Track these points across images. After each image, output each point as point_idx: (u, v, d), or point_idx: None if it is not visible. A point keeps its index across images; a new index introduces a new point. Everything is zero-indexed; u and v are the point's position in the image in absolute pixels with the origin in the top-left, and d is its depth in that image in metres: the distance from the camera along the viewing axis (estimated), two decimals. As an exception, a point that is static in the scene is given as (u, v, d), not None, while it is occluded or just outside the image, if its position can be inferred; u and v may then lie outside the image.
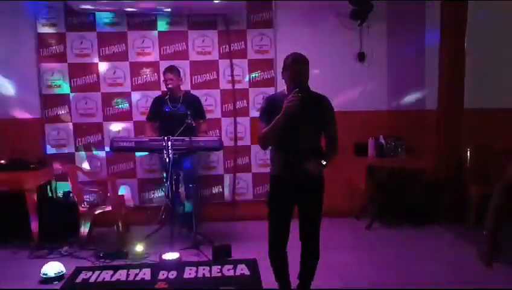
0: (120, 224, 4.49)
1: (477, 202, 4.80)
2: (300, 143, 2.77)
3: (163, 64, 4.95)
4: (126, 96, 5.15)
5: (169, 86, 4.52)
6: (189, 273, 3.67)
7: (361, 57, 5.28)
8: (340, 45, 5.28)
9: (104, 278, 3.61)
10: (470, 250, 4.19)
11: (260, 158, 5.29)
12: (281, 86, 3.31)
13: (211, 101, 5.22)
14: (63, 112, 5.11)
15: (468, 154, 5.06)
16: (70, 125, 5.13)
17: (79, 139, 5.15)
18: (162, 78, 4.79)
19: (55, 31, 5.03)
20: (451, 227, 4.83)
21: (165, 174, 4.34)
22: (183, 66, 5.08)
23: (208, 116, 4.96)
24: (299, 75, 2.72)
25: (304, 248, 2.94)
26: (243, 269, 3.73)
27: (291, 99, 2.60)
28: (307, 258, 2.96)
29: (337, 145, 2.89)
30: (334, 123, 2.89)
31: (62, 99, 5.10)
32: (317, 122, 2.82)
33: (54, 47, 5.04)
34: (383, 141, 5.11)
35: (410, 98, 5.40)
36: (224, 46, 5.22)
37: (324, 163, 2.80)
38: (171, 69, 4.57)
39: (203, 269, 3.75)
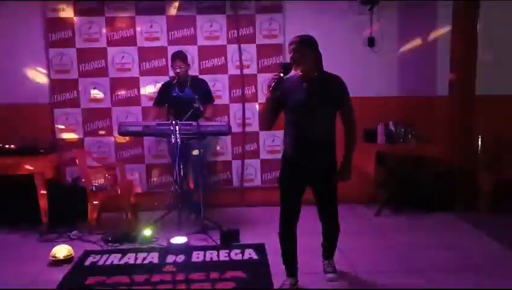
0: (128, 209, 4.51)
1: (489, 189, 4.77)
2: (311, 125, 2.76)
3: (172, 50, 4.91)
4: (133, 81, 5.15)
5: (178, 72, 4.49)
6: (197, 257, 3.68)
7: (371, 42, 5.18)
8: (350, 30, 5.19)
9: (112, 261, 3.63)
10: (481, 236, 4.16)
11: (268, 144, 5.23)
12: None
13: (218, 87, 5.18)
14: (71, 97, 5.12)
15: (480, 141, 4.99)
16: (79, 110, 5.14)
17: (88, 124, 5.16)
18: (170, 64, 4.76)
19: (63, 16, 5.02)
20: (462, 214, 4.77)
21: (172, 160, 4.33)
22: (192, 51, 5.04)
23: (216, 101, 4.92)
24: (291, 55, 2.75)
25: (325, 224, 3.02)
26: (250, 254, 3.73)
27: (270, 79, 2.66)
28: (328, 232, 3.06)
29: (355, 133, 2.96)
30: (349, 102, 2.91)
31: (71, 85, 5.10)
32: (326, 104, 2.79)
33: (62, 32, 5.03)
34: (392, 128, 5.05)
35: (421, 84, 5.29)
36: (232, 31, 5.16)
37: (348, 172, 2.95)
38: (180, 56, 4.52)
39: (211, 253, 3.76)
